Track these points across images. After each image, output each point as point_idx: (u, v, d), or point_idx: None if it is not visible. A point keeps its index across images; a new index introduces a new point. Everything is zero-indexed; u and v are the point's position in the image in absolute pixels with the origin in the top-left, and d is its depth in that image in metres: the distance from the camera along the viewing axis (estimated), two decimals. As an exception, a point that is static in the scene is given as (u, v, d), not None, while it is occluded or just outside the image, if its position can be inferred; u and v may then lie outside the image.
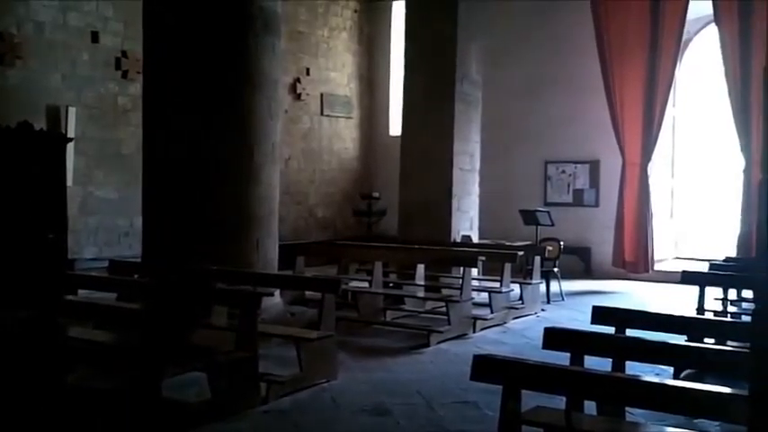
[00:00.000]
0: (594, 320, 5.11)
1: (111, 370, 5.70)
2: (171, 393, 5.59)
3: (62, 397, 5.29)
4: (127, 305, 6.85)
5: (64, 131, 10.90)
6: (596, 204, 14.17)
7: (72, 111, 11.36)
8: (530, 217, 11.77)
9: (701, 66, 13.98)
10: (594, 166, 14.18)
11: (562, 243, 11.49)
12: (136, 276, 7.93)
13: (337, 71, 16.36)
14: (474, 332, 8.72)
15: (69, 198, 10.11)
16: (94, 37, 11.72)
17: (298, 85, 15.29)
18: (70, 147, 10.51)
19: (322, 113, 16.00)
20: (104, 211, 11.84)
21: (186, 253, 7.58)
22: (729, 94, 11.67)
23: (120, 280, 7.72)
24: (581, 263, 13.93)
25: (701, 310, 7.49)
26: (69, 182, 10.46)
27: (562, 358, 4.35)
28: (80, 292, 8.00)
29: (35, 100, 10.98)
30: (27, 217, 9.31)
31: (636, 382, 3.80)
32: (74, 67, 11.49)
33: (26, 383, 5.22)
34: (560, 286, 11.27)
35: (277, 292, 8.16)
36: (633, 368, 4.80)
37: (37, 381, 5.27)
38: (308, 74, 15.56)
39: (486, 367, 3.80)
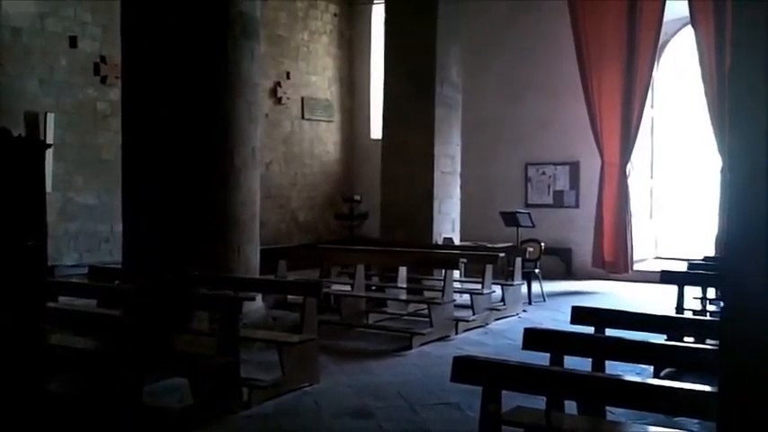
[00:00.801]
0: (574, 320, 5.14)
1: (92, 376, 5.67)
2: (153, 399, 5.58)
3: (43, 403, 5.26)
4: (107, 311, 6.82)
5: (43, 137, 10.82)
6: (576, 205, 14.25)
7: (51, 116, 11.29)
8: (510, 219, 11.82)
9: (679, 67, 14.11)
10: (574, 168, 14.27)
11: (543, 244, 11.56)
12: (116, 282, 7.89)
13: (318, 75, 16.36)
14: (456, 334, 8.74)
15: (49, 204, 10.02)
16: (72, 42, 11.65)
17: (278, 89, 15.28)
18: (49, 153, 10.43)
19: (303, 117, 16.00)
20: (84, 217, 11.77)
21: (167, 258, 7.55)
22: (706, 95, 11.79)
23: (101, 286, 7.68)
24: (562, 263, 14.01)
25: (680, 309, 7.56)
26: (48, 188, 10.38)
27: (543, 359, 4.38)
28: (60, 298, 7.94)
29: (13, 106, 10.90)
30: (6, 223, 9.22)
31: (616, 381, 3.83)
32: (52, 72, 11.42)
33: (7, 389, 5.19)
34: (541, 287, 11.33)
35: (259, 297, 8.15)
36: (613, 368, 4.85)
37: (19, 387, 5.24)
38: (288, 78, 15.55)
39: (465, 368, 3.82)
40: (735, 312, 1.90)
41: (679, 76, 14.16)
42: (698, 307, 7.95)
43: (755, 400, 1.87)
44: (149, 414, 5.28)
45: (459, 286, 9.92)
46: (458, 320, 8.89)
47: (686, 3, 11.97)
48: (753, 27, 1.88)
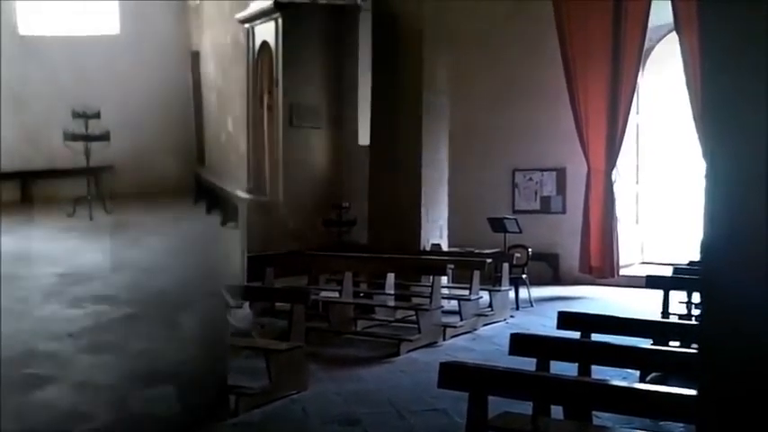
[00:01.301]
0: (561, 326, 5.17)
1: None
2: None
3: None
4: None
5: None
6: (563, 211, 14.30)
7: None
8: (498, 224, 11.86)
9: (664, 73, 14.19)
10: (561, 174, 14.32)
11: (530, 250, 11.59)
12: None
13: (306, 82, 16.34)
14: (444, 340, 8.75)
15: None
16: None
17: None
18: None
19: (291, 124, 15.98)
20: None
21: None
22: (690, 101, 11.86)
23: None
24: (549, 269, 14.04)
25: (665, 313, 7.61)
26: None
27: (531, 364, 4.40)
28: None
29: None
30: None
31: (602, 386, 3.85)
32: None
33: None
34: (529, 292, 11.36)
35: (246, 304, 8.13)
36: (600, 372, 4.88)
37: None
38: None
39: (452, 374, 3.84)
40: (714, 316, 1.92)
41: (664, 81, 14.24)
42: (683, 311, 7.99)
43: (734, 403, 1.89)
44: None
45: (447, 292, 9.93)
46: (446, 326, 8.90)
47: (670, 8, 12.04)
48: (722, 31, 1.91)
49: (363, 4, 12.08)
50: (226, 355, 6.09)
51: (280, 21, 10.04)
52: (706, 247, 2.03)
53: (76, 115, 15.25)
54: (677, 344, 5.96)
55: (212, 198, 16.80)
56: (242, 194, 10.39)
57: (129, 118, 18.42)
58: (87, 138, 15.43)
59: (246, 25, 10.73)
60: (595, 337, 5.12)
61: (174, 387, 5.70)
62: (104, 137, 15.70)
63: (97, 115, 15.47)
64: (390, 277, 9.78)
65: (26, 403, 5.81)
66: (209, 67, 19.54)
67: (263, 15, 10.01)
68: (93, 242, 13.40)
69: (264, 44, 9.41)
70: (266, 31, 10.23)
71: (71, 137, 15.41)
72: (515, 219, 12.07)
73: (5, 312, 8.20)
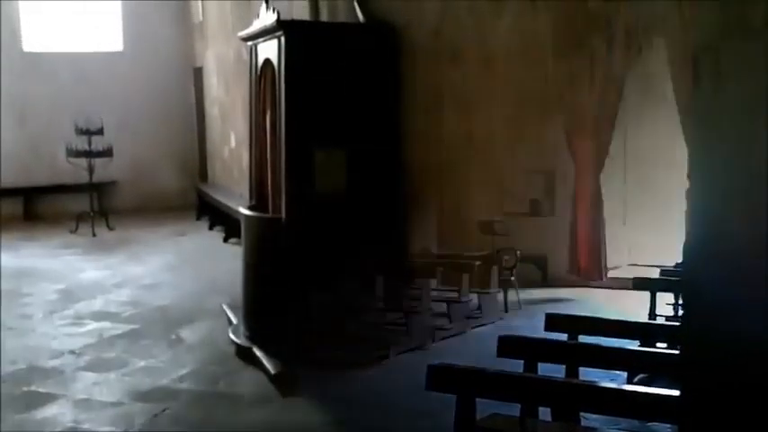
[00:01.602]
0: (548, 328, 5.20)
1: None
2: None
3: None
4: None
5: None
6: (552, 213, 14.30)
7: None
8: (487, 227, 11.87)
9: (653, 74, 14.22)
10: (549, 176, 14.32)
11: (519, 252, 11.60)
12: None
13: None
14: (433, 342, 8.76)
15: None
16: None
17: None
18: None
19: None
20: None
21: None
22: (677, 102, 11.90)
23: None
24: (538, 271, 14.03)
25: (652, 315, 7.64)
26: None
27: (521, 366, 4.42)
28: None
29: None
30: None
31: (589, 387, 3.88)
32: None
33: None
34: (518, 295, 11.37)
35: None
36: (588, 374, 4.90)
37: None
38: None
39: (440, 376, 3.86)
40: (695, 313, 1.94)
41: (652, 83, 14.27)
42: (670, 313, 8.03)
43: (716, 397, 1.91)
44: None
45: (436, 295, 9.94)
46: (435, 329, 8.91)
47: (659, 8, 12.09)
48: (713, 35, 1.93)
49: (366, 21, 12.18)
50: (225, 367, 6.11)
51: (282, 39, 10.04)
52: (688, 247, 2.06)
53: (80, 131, 15.26)
54: (664, 345, 6.00)
55: (215, 214, 16.79)
56: (245, 211, 10.39)
57: (131, 134, 18.43)
58: (90, 154, 15.46)
59: (249, 43, 10.73)
60: (583, 338, 5.15)
61: (174, 401, 5.73)
62: (107, 153, 15.73)
63: (100, 131, 15.49)
64: (380, 280, 9.78)
65: (28, 420, 5.82)
66: (212, 84, 19.52)
67: (265, 33, 10.01)
68: (96, 258, 13.45)
69: (267, 61, 9.43)
70: (269, 49, 10.24)
71: (74, 153, 15.43)
72: (504, 221, 12.09)
73: (7, 329, 8.26)
